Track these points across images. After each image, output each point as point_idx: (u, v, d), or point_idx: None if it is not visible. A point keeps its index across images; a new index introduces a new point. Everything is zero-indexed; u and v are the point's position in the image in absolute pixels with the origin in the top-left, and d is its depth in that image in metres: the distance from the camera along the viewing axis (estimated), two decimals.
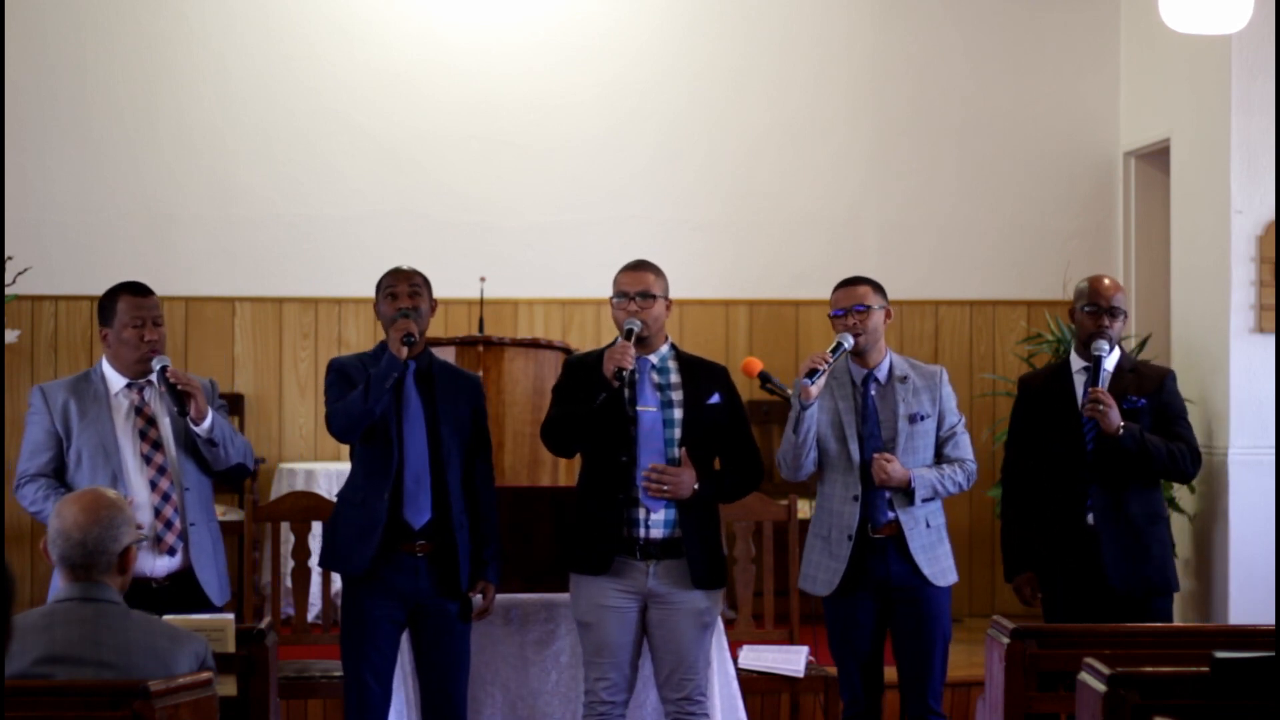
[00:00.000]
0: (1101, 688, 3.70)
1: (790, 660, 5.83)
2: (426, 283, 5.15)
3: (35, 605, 3.74)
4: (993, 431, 7.95)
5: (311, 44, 8.65)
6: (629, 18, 8.76)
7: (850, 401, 5.20)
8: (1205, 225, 7.66)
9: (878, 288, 5.26)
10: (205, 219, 8.58)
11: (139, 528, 4.74)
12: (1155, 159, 8.48)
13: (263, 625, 4.36)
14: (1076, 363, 5.55)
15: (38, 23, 8.45)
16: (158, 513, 4.89)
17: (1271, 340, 7.29)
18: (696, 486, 4.93)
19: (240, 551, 6.91)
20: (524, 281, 8.61)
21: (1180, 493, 7.48)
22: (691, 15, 8.77)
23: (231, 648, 4.19)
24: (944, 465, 5.22)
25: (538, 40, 8.73)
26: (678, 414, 4.98)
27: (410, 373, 5.05)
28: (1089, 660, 3.86)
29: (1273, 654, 3.40)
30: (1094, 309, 5.47)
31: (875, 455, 5.11)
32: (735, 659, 5.64)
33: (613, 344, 4.93)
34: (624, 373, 4.86)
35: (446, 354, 6.23)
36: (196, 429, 4.90)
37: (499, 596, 5.20)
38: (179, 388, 4.87)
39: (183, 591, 4.88)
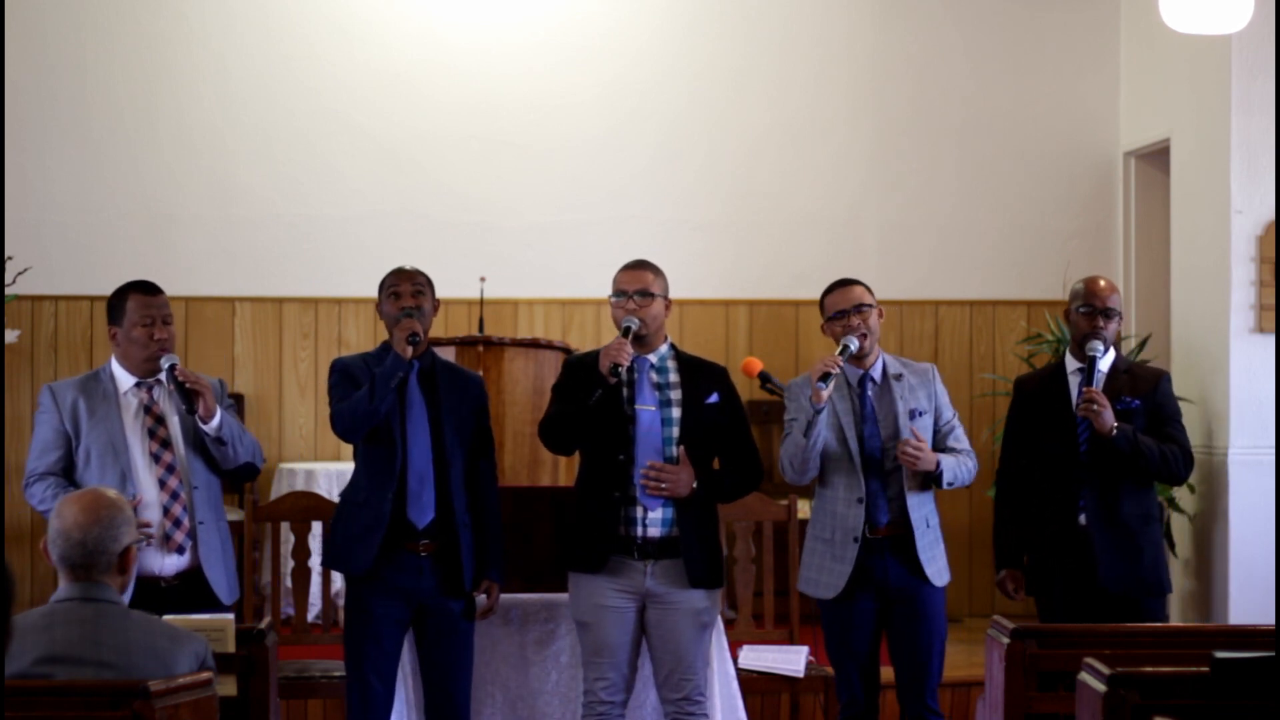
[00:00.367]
0: (1101, 688, 3.70)
1: (790, 660, 5.83)
2: (429, 283, 5.15)
3: (35, 605, 3.74)
4: (993, 431, 7.94)
5: (311, 44, 8.65)
6: (629, 18, 8.76)
7: (848, 403, 5.20)
8: (1205, 225, 7.66)
9: (868, 288, 5.27)
10: (205, 219, 8.58)
11: (145, 526, 4.76)
12: (1155, 159, 8.47)
13: (263, 625, 4.36)
14: (1071, 363, 5.55)
15: (38, 23, 8.45)
16: (166, 511, 4.90)
17: (1271, 340, 7.29)
18: (695, 485, 4.93)
19: (240, 552, 6.90)
20: (524, 281, 8.61)
21: (1180, 493, 7.48)
22: (691, 15, 8.77)
23: (231, 648, 4.19)
24: (952, 455, 5.23)
25: (538, 40, 8.73)
26: (676, 413, 4.98)
27: (413, 372, 5.05)
28: (1089, 660, 3.86)
29: (1273, 654, 3.40)
30: (1089, 310, 5.47)
31: (901, 441, 5.10)
32: (735, 659, 5.64)
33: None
34: (619, 368, 4.85)
35: (447, 354, 6.23)
36: (205, 427, 4.91)
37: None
38: (188, 386, 4.87)
39: (191, 590, 4.89)
